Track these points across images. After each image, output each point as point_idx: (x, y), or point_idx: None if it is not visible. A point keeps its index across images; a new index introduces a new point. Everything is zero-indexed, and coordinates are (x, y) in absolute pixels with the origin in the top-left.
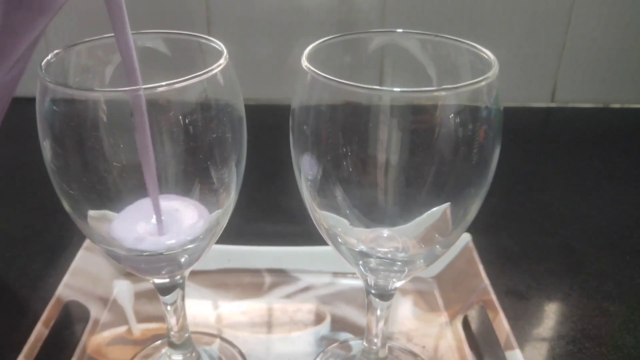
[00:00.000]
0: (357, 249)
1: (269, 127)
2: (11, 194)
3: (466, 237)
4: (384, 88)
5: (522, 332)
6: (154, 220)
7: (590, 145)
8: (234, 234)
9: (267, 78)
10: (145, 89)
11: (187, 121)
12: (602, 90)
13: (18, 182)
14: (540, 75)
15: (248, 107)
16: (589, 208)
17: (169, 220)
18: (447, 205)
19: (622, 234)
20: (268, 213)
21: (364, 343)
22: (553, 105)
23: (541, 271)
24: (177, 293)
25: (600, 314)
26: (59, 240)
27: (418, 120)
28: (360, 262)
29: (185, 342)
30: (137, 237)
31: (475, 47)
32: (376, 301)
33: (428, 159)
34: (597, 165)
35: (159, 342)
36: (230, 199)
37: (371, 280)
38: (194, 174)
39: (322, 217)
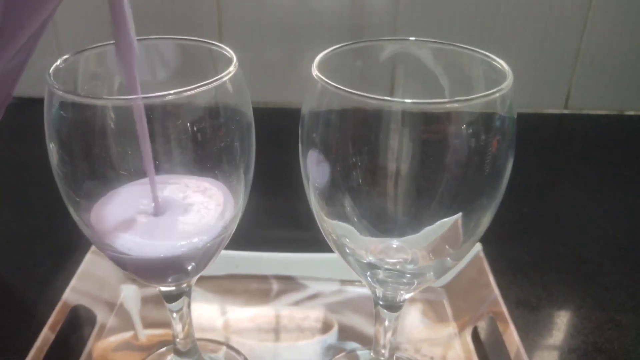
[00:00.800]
0: (365, 260)
1: (279, 131)
2: (19, 197)
3: (477, 247)
4: (395, 99)
5: (533, 345)
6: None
7: (604, 153)
8: (242, 239)
9: (277, 82)
10: (155, 97)
11: (195, 129)
12: (617, 97)
13: (26, 184)
14: (554, 82)
15: (258, 111)
16: (602, 217)
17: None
18: (458, 216)
19: (636, 245)
20: (276, 219)
21: (372, 354)
22: (567, 112)
23: (553, 282)
24: (183, 300)
25: (613, 326)
26: (66, 244)
27: (429, 130)
28: (369, 274)
29: (190, 350)
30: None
31: (489, 57)
32: (384, 312)
33: (439, 170)
34: (611, 173)
35: (164, 348)
36: (238, 206)
37: (379, 292)
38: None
39: (331, 226)
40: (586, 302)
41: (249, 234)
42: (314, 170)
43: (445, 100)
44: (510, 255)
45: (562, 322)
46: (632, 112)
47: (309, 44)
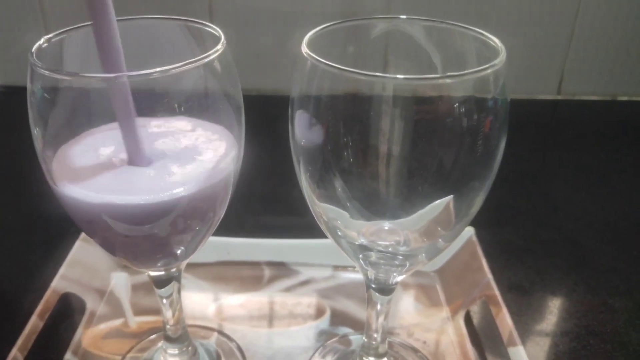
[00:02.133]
0: (357, 242)
1: (270, 117)
2: (8, 184)
3: (469, 231)
4: (387, 75)
5: (525, 328)
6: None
7: (597, 139)
8: (233, 226)
9: (269, 68)
10: (140, 75)
11: (182, 109)
12: (610, 82)
13: (14, 172)
14: (547, 67)
15: (250, 98)
16: (595, 202)
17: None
18: (450, 197)
19: (629, 229)
20: (269, 205)
21: (364, 338)
22: (559, 97)
23: (546, 266)
24: (172, 286)
25: (606, 310)
26: (56, 231)
27: (421, 109)
28: (361, 256)
29: (181, 336)
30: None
31: (482, 34)
32: (376, 295)
33: (431, 150)
34: (604, 158)
35: (154, 335)
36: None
37: (371, 274)
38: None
39: (322, 209)
40: (579, 286)
41: (241, 220)
42: (305, 151)
43: (437, 75)
44: (503, 240)
45: (554, 306)
46: (625, 98)
47: (301, 30)
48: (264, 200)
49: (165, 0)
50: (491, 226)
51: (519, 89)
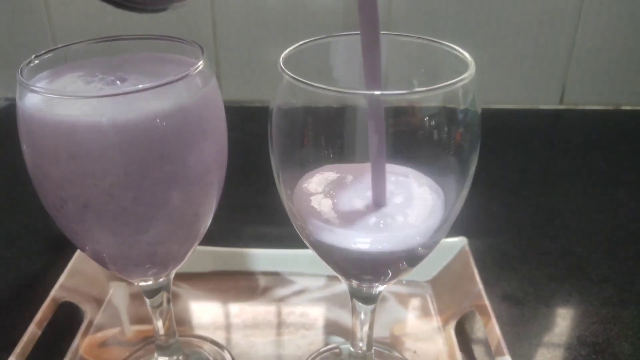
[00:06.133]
0: None
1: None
2: (9, 194)
3: (462, 241)
4: (356, 91)
5: (517, 339)
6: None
7: (599, 149)
8: (228, 236)
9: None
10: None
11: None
12: (612, 91)
13: (15, 182)
14: (549, 77)
15: (253, 110)
16: (593, 212)
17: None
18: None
19: (625, 239)
20: (263, 216)
21: (350, 347)
22: (562, 107)
23: (540, 276)
24: (162, 295)
25: (599, 320)
26: (56, 241)
27: (394, 122)
28: None
29: (172, 345)
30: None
31: (455, 49)
32: (359, 305)
33: (405, 163)
34: (605, 168)
35: (147, 345)
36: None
37: (354, 283)
38: None
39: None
40: (572, 296)
41: (237, 230)
42: (283, 165)
43: (406, 91)
44: (498, 250)
45: (547, 316)
46: (627, 107)
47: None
48: (259, 211)
49: (168, 17)
50: (487, 236)
51: (521, 99)
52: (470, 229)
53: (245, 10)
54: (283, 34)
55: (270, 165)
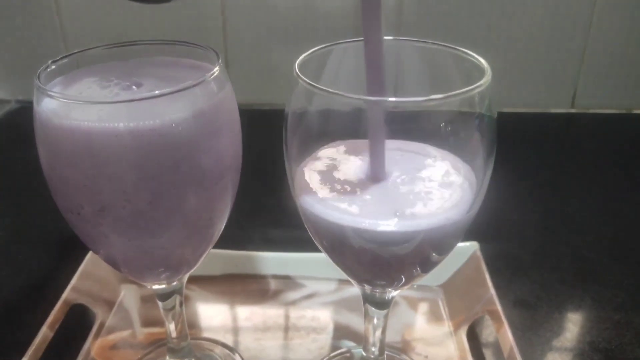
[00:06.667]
0: None
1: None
2: (21, 196)
3: (474, 246)
4: (374, 98)
5: (529, 344)
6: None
7: (611, 153)
8: (240, 239)
9: (283, 84)
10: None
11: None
12: (624, 95)
13: (28, 184)
14: (560, 80)
15: (262, 113)
16: (606, 217)
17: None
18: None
19: (638, 244)
20: (275, 219)
21: (362, 352)
22: (573, 111)
23: (552, 281)
24: (174, 299)
25: (611, 326)
26: (68, 243)
27: (410, 128)
28: None
29: (184, 348)
30: None
31: (470, 55)
32: (372, 310)
33: (422, 168)
34: (617, 173)
35: (160, 347)
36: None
37: (368, 288)
38: None
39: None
40: (585, 302)
41: (248, 234)
42: (299, 172)
43: (423, 98)
44: (510, 254)
45: (559, 322)
46: (639, 111)
47: (314, 45)
48: (271, 214)
49: (180, 22)
50: (497, 240)
51: (532, 103)
52: (481, 234)
53: (255, 13)
54: (293, 37)
55: (279, 168)
